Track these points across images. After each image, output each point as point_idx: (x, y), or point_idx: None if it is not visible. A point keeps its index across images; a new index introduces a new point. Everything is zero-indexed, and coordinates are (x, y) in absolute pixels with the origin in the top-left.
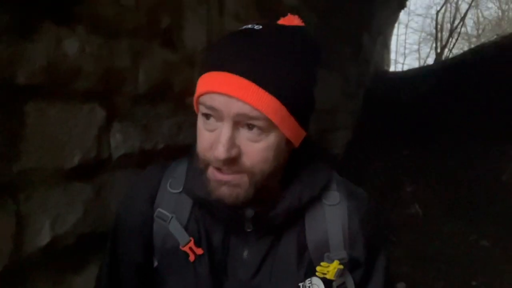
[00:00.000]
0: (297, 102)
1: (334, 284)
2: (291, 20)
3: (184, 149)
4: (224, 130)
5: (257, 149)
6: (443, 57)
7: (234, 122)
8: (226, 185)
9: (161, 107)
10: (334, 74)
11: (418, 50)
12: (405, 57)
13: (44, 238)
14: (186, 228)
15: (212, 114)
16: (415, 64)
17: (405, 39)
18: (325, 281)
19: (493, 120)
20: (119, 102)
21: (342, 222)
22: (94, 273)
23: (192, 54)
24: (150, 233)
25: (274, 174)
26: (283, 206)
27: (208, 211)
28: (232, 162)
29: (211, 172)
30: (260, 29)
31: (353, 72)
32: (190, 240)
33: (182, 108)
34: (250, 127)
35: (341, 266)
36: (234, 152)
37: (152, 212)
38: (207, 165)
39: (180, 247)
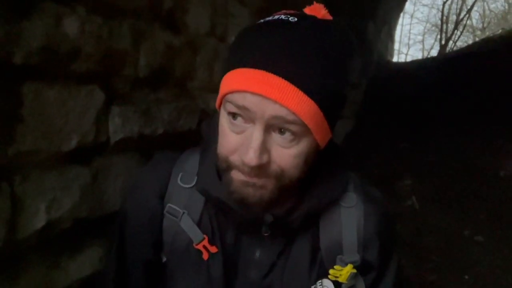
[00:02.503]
0: (333, 106)
1: (344, 286)
2: (318, 10)
3: (184, 135)
4: (256, 133)
5: (288, 156)
6: (448, 49)
7: (267, 126)
8: (252, 187)
9: (161, 92)
10: None
11: (423, 41)
12: (409, 48)
13: (40, 222)
14: (198, 225)
15: (242, 114)
16: (419, 55)
17: (410, 30)
18: (336, 283)
19: (494, 115)
20: (119, 85)
21: (357, 225)
22: (89, 258)
23: (195, 39)
24: (160, 229)
25: (301, 178)
26: (302, 211)
27: (221, 210)
28: (262, 167)
29: (235, 174)
30: (296, 21)
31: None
32: (204, 238)
33: (183, 93)
34: (282, 131)
35: (354, 270)
36: (265, 158)
37: (161, 208)
38: (229, 167)
39: (194, 245)
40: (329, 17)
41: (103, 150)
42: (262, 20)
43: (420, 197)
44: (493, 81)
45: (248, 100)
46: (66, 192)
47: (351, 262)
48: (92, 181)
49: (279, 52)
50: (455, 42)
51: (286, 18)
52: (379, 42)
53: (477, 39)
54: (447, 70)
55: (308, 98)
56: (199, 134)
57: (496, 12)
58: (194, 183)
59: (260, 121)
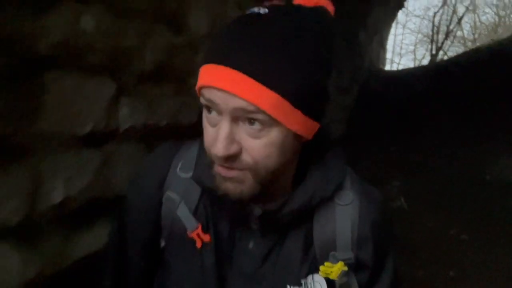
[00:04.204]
0: (303, 95)
1: (337, 283)
2: None
3: (185, 128)
4: (223, 125)
5: (258, 145)
6: (438, 59)
7: (233, 117)
8: (230, 181)
9: (164, 87)
10: None
11: (414, 51)
12: (400, 57)
13: (57, 197)
14: (194, 214)
15: (212, 107)
16: (411, 65)
17: (402, 40)
18: (328, 280)
19: (481, 121)
20: (127, 78)
21: (352, 223)
22: (99, 235)
23: (195, 39)
24: (158, 215)
25: (283, 170)
26: (292, 207)
27: (216, 201)
28: (233, 158)
29: (216, 168)
30: (266, 13)
31: (347, 67)
32: (198, 226)
33: (184, 89)
34: (251, 122)
35: (346, 268)
36: (233, 149)
37: (161, 195)
38: (213, 161)
39: (188, 232)
40: (323, 2)
41: (113, 137)
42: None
43: (409, 198)
44: (481, 89)
45: (213, 94)
46: (81, 172)
47: (344, 260)
48: (103, 165)
49: (241, 47)
50: (445, 52)
51: (258, 10)
52: (370, 50)
53: (468, 49)
54: (437, 78)
55: (267, 89)
56: (200, 126)
57: (487, 24)
58: (192, 173)
59: (226, 113)
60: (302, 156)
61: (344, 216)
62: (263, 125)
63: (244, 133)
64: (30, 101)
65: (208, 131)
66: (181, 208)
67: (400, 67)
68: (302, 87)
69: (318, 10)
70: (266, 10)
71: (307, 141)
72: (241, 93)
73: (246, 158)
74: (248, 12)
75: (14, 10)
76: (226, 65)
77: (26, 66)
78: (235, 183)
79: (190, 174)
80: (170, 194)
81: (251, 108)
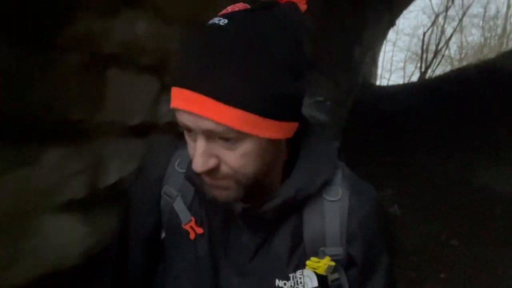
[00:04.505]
0: (271, 104)
1: (329, 278)
2: None
3: None
4: (199, 143)
5: (234, 157)
6: (427, 77)
7: (207, 136)
8: (216, 188)
9: None
10: (325, 79)
11: (404, 68)
12: (391, 73)
13: (113, 178)
14: (189, 208)
15: (186, 127)
16: (400, 81)
17: (392, 56)
18: (319, 275)
19: (468, 133)
20: (168, 78)
21: (341, 219)
22: None
23: None
24: (158, 209)
25: (266, 171)
26: (275, 203)
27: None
28: (213, 171)
29: (203, 176)
30: (225, 24)
31: (343, 81)
32: (192, 220)
33: None
34: (224, 138)
35: (332, 263)
36: (211, 163)
37: (160, 189)
38: None
39: (182, 225)
40: None
41: (155, 129)
42: (207, 24)
43: (402, 205)
44: (468, 105)
45: (183, 117)
46: (131, 158)
47: (333, 255)
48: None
49: (199, 66)
50: (433, 71)
51: (218, 21)
52: (364, 65)
53: (454, 68)
54: (427, 94)
55: (231, 108)
56: None
57: (473, 44)
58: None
59: (199, 133)
60: (293, 150)
61: (333, 211)
62: (236, 139)
63: (220, 147)
64: (96, 93)
65: (190, 145)
66: (177, 202)
67: (390, 83)
68: (269, 96)
69: (287, 8)
70: (226, 21)
71: (294, 136)
72: (208, 115)
73: (225, 169)
74: (210, 22)
75: (87, 14)
76: (189, 88)
77: (93, 63)
78: (220, 190)
79: (185, 170)
80: (168, 189)
81: (220, 128)
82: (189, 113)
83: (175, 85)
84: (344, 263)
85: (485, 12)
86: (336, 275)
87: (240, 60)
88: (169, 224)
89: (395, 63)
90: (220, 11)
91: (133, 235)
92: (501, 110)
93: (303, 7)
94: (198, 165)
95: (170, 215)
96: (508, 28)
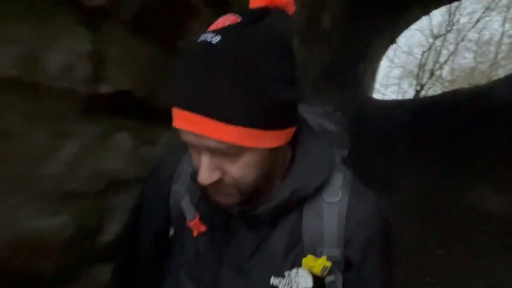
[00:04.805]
0: (270, 116)
1: (326, 280)
2: None
3: None
4: (203, 159)
5: (236, 169)
6: (421, 95)
7: (210, 151)
8: (219, 195)
9: None
10: (334, 89)
11: (399, 84)
12: (386, 88)
13: None
14: (196, 206)
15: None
16: (394, 96)
17: (389, 72)
18: (315, 276)
19: (460, 155)
20: None
21: (339, 221)
22: None
23: None
24: (168, 205)
25: (268, 176)
26: (269, 206)
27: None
28: (217, 182)
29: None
30: (217, 42)
31: (348, 93)
32: (196, 217)
33: None
34: (226, 154)
35: (328, 264)
36: (215, 176)
37: (170, 187)
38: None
39: (187, 221)
40: (282, 1)
41: None
42: (198, 39)
43: (393, 215)
44: (461, 126)
45: (186, 136)
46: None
47: (330, 257)
48: None
49: (196, 87)
50: (426, 90)
51: (210, 38)
52: (365, 79)
53: (445, 89)
54: (422, 112)
55: (231, 126)
56: None
57: (465, 67)
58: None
59: (202, 149)
60: (294, 154)
61: (331, 213)
62: (238, 153)
63: (223, 160)
64: None
65: (194, 157)
66: (185, 200)
67: (385, 97)
68: (267, 109)
69: (277, 17)
70: (218, 39)
71: (294, 137)
72: (210, 135)
73: (228, 179)
74: (202, 38)
75: (201, 26)
76: (188, 109)
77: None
78: (223, 196)
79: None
80: (177, 187)
81: (222, 145)
82: (192, 133)
83: (174, 106)
84: (341, 266)
85: (479, 37)
86: (332, 278)
87: (236, 78)
88: (176, 220)
89: (390, 79)
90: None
91: (145, 229)
92: (490, 133)
93: (291, 9)
94: (204, 179)
95: (178, 212)
96: (500, 55)
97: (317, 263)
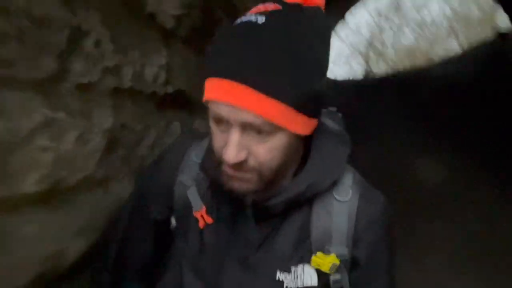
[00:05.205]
0: (305, 99)
1: (331, 278)
2: None
3: None
4: (233, 134)
5: (264, 150)
6: (368, 74)
7: (242, 128)
8: (236, 180)
9: None
10: None
11: (349, 63)
12: (337, 66)
13: None
14: (202, 197)
15: (221, 119)
16: (345, 75)
17: (338, 51)
18: (320, 273)
19: (401, 129)
20: None
21: (349, 220)
22: None
23: None
24: (172, 196)
25: (285, 167)
26: (283, 197)
27: (217, 188)
28: (241, 163)
29: (224, 167)
30: (263, 23)
31: None
32: (203, 208)
33: None
34: (259, 131)
35: (337, 261)
36: (243, 155)
37: (175, 177)
38: (221, 161)
39: (193, 212)
40: (315, 0)
41: None
42: (237, 21)
43: None
44: (403, 102)
45: (221, 109)
46: None
47: (338, 254)
48: None
49: (243, 59)
50: (373, 70)
51: (255, 19)
52: None
53: (391, 69)
54: (369, 90)
55: (272, 100)
56: None
57: (407, 47)
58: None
59: (235, 125)
60: (306, 146)
61: (341, 212)
62: (269, 132)
63: (251, 139)
64: None
65: (217, 136)
66: (191, 190)
67: (336, 76)
68: (304, 92)
69: (314, 11)
70: (263, 19)
71: (310, 135)
72: (249, 107)
73: (252, 161)
74: (245, 19)
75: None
76: (231, 79)
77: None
78: (240, 182)
79: (201, 159)
80: (184, 177)
81: (258, 120)
82: (228, 105)
83: (212, 76)
84: (348, 264)
85: (421, 18)
86: (338, 276)
87: (279, 55)
88: (180, 212)
89: (341, 57)
90: None
91: (143, 217)
92: (429, 109)
93: (322, 4)
94: (232, 156)
95: (183, 203)
96: (439, 35)
97: (326, 261)
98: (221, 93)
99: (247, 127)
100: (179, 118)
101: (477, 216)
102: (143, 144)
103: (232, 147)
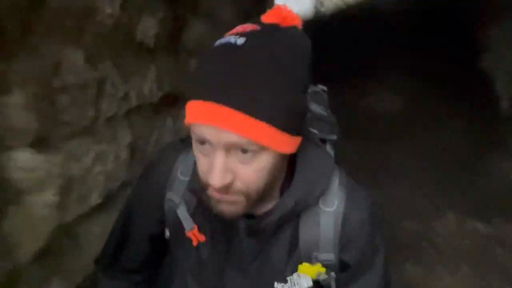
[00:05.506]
0: (289, 118)
1: (320, 278)
2: (278, 13)
3: None
4: (217, 157)
5: (250, 172)
6: (318, 10)
7: (226, 149)
8: (224, 203)
9: None
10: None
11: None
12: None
13: None
14: (192, 215)
15: (205, 141)
16: (296, 10)
17: None
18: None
19: (354, 64)
20: None
21: (335, 227)
22: None
23: None
24: (162, 211)
25: (272, 185)
26: (274, 217)
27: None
28: (228, 186)
29: (210, 191)
30: (243, 44)
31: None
32: (194, 227)
33: None
34: (244, 151)
35: (323, 270)
36: (228, 178)
37: (163, 194)
38: (207, 184)
39: (185, 232)
40: (293, 20)
41: None
42: (217, 43)
43: None
44: (354, 39)
45: (204, 131)
46: None
47: (325, 260)
48: None
49: (224, 81)
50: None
51: (235, 40)
52: None
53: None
54: (320, 28)
55: (256, 120)
56: None
57: None
58: (190, 177)
59: (219, 147)
60: (292, 159)
61: (328, 220)
62: (254, 153)
63: (236, 161)
64: None
65: (201, 160)
66: (181, 209)
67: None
68: (287, 111)
69: (292, 31)
70: (243, 40)
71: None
72: (232, 128)
73: (238, 183)
74: (224, 41)
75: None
76: (213, 101)
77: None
78: (229, 205)
79: (188, 178)
80: (172, 195)
81: (243, 141)
82: (212, 127)
83: (196, 99)
84: (336, 268)
85: None
86: (327, 279)
87: (261, 76)
88: (173, 227)
89: None
90: None
91: (137, 230)
92: (381, 44)
93: (299, 24)
94: (217, 180)
95: (174, 220)
96: None
97: (311, 270)
98: (203, 116)
99: (231, 148)
100: (171, 113)
101: (426, 131)
102: (150, 144)
103: (217, 171)
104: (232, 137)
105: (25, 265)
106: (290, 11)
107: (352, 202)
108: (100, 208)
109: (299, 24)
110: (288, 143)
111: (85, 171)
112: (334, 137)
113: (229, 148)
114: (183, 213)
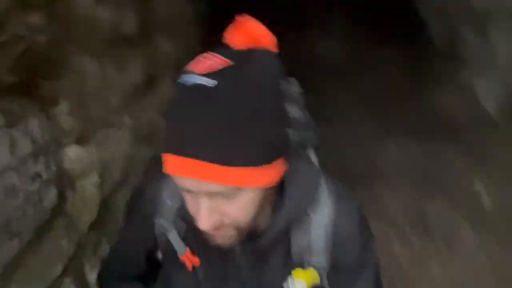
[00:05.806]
0: (266, 153)
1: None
2: (251, 33)
3: None
4: (202, 204)
5: (236, 209)
6: None
7: (209, 195)
8: (217, 237)
9: None
10: None
11: None
12: None
13: None
14: (184, 239)
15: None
16: None
17: None
18: None
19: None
20: None
21: (326, 233)
22: None
23: None
24: (154, 236)
25: (263, 210)
26: (269, 237)
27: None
28: (216, 226)
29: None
30: (215, 86)
31: None
32: (187, 251)
33: None
34: (225, 195)
35: (316, 274)
36: (216, 219)
37: (153, 221)
38: (197, 224)
39: (178, 256)
40: (266, 42)
41: None
42: (185, 79)
43: None
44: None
45: (184, 183)
46: None
47: (316, 263)
48: None
49: (191, 132)
50: None
51: (206, 82)
52: None
53: None
54: None
55: (231, 168)
56: None
57: None
58: (179, 203)
59: (201, 194)
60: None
61: (318, 227)
62: (236, 193)
63: (220, 202)
64: None
65: (189, 201)
66: (172, 234)
67: None
68: (263, 148)
69: (266, 55)
70: (215, 83)
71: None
72: (209, 179)
73: (227, 220)
74: (192, 82)
75: None
76: (184, 155)
77: None
78: (222, 238)
79: (177, 205)
80: (161, 221)
81: (222, 188)
82: (189, 179)
83: (168, 152)
84: (327, 270)
85: None
86: (318, 281)
87: (235, 121)
88: (166, 251)
89: None
90: None
91: (133, 248)
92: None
93: (274, 50)
94: (205, 225)
95: (166, 244)
96: None
97: (305, 274)
98: (179, 169)
99: (213, 194)
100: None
101: (371, 70)
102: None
103: (204, 216)
104: (212, 187)
105: (85, 234)
106: (260, 27)
107: (340, 208)
108: (121, 183)
109: (271, 45)
110: (269, 174)
111: (111, 155)
112: (316, 142)
113: (211, 194)
114: (174, 238)
